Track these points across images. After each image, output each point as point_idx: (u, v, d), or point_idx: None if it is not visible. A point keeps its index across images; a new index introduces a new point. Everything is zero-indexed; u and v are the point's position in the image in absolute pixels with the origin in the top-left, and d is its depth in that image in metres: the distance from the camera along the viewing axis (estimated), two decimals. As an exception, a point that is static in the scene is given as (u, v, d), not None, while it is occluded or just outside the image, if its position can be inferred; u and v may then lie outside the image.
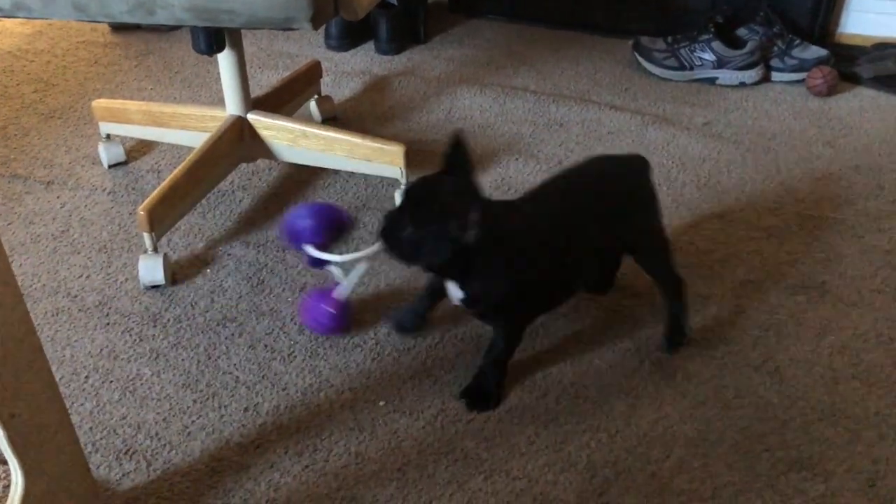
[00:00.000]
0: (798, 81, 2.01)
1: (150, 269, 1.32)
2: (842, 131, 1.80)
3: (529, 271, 1.04)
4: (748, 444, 1.05)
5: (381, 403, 1.12)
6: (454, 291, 1.07)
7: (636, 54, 2.10)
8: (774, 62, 2.02)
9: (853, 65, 2.02)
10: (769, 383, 1.14)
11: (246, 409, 1.11)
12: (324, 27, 2.25)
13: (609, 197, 1.12)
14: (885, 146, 1.73)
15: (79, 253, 1.42)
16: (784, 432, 1.07)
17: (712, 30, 2.00)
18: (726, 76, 2.01)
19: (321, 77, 1.84)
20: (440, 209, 0.98)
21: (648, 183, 1.17)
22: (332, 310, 1.21)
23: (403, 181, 1.49)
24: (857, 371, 1.16)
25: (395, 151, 1.45)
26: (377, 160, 1.47)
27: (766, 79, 2.03)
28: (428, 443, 1.06)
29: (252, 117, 1.51)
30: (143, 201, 1.32)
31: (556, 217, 1.08)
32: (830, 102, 1.93)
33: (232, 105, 1.51)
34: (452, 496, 0.99)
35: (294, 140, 1.50)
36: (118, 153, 1.67)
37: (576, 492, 0.99)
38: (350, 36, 2.24)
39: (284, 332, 1.24)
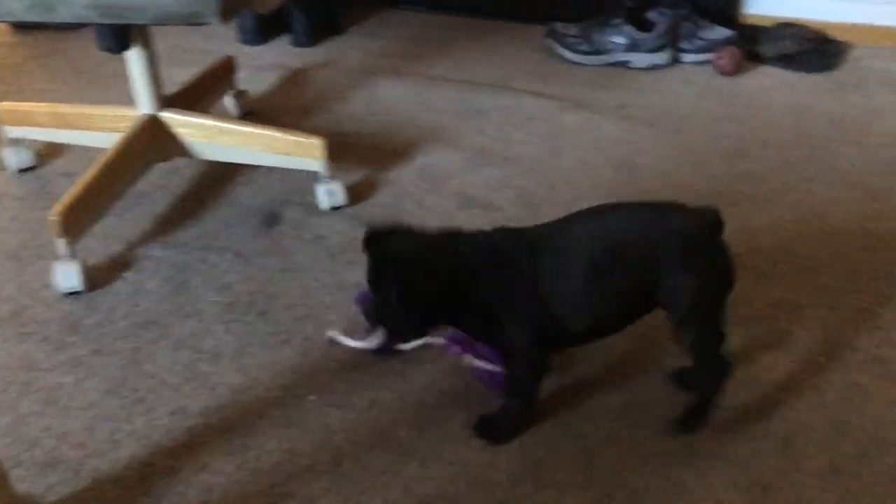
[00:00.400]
0: (706, 62, 2.07)
1: (67, 276, 1.28)
2: (749, 109, 1.87)
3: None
4: (673, 413, 1.08)
5: (312, 398, 1.12)
6: None
7: (550, 40, 2.13)
8: (683, 44, 2.08)
9: (757, 44, 2.09)
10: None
11: (174, 413, 1.10)
12: (238, 22, 2.21)
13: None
14: (790, 121, 1.81)
15: (-11, 262, 1.37)
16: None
17: (623, 14, 2.04)
18: (638, 59, 2.06)
19: (236, 72, 1.81)
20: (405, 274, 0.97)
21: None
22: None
23: (325, 174, 1.48)
24: (770, 339, 1.21)
25: (315, 145, 1.45)
26: (297, 154, 1.46)
27: (676, 60, 2.08)
28: (361, 434, 1.06)
29: (166, 115, 1.48)
30: (54, 206, 1.28)
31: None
32: (737, 81, 2.00)
33: (144, 104, 1.47)
34: (388, 485, 1.00)
35: (210, 137, 1.47)
36: (26, 157, 1.61)
37: (509, 472, 1.01)
38: (265, 29, 2.21)
39: (210, 333, 1.23)
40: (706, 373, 1.05)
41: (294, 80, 2.01)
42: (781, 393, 1.12)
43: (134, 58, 1.42)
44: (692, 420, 1.05)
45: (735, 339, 1.20)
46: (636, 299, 1.01)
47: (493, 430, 1.06)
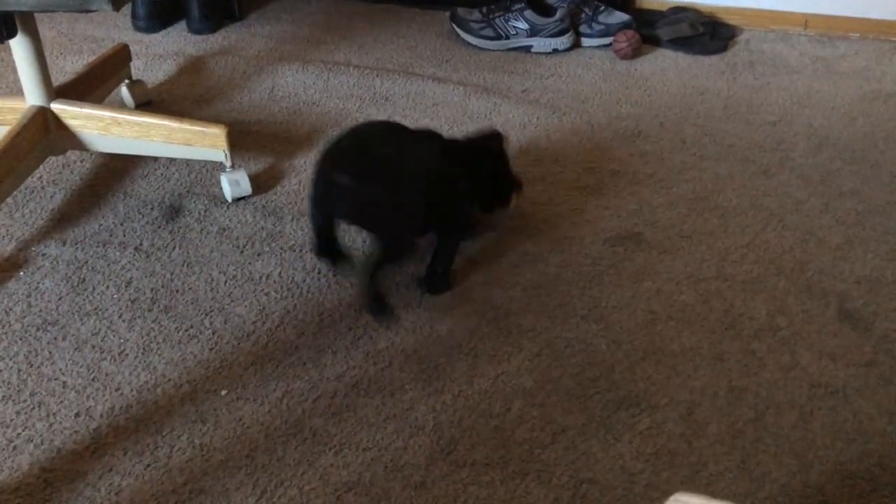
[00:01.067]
0: (605, 46, 2.12)
1: (-47, 278, 1.22)
2: (646, 91, 1.92)
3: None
4: (581, 389, 1.12)
5: (223, 392, 1.10)
6: None
7: (454, 25, 2.14)
8: (583, 28, 2.12)
9: (653, 28, 2.16)
10: (596, 330, 1.22)
11: (77, 415, 1.06)
12: (130, 8, 2.13)
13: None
14: (685, 102, 1.87)
15: None
16: (612, 374, 1.14)
17: (524, -1, 2.07)
18: (540, 44, 2.09)
19: (130, 60, 1.74)
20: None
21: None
22: None
23: (228, 164, 1.44)
24: (671, 311, 1.26)
25: (217, 133, 1.41)
26: (198, 144, 1.42)
27: (576, 45, 2.13)
28: (275, 426, 1.05)
29: (56, 107, 1.42)
30: (-63, 205, 1.21)
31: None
32: (635, 64, 2.06)
33: (32, 95, 1.40)
34: (304, 475, 0.99)
35: (105, 128, 1.42)
36: None
37: (425, 454, 1.02)
38: (159, 16, 2.14)
39: (112, 331, 1.19)
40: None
41: (192, 68, 1.95)
42: (684, 363, 1.16)
43: (19, 47, 1.35)
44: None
45: (640, 314, 1.24)
46: None
47: (437, 284, 1.29)
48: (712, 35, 2.15)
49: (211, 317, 1.22)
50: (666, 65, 2.05)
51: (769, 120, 1.80)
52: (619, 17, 2.12)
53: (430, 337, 1.20)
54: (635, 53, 2.07)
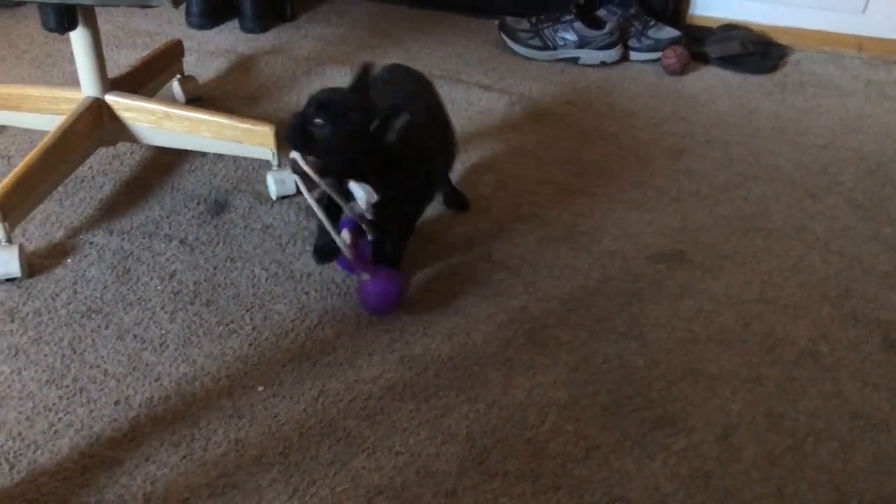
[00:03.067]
0: (654, 60, 2.11)
1: (5, 262, 1.25)
2: (693, 108, 1.91)
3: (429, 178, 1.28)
4: (616, 406, 1.11)
5: (260, 389, 1.11)
6: (366, 196, 1.15)
7: (502, 34, 2.14)
8: (632, 42, 2.11)
9: (703, 45, 2.14)
10: (634, 347, 1.21)
11: (117, 403, 1.07)
12: (185, 5, 2.17)
13: (433, 108, 1.35)
14: (732, 121, 1.85)
15: (-79, 247, 1.32)
16: (649, 393, 1.13)
17: (573, 11, 2.07)
18: (588, 56, 2.08)
19: (183, 56, 1.77)
20: (361, 111, 1.12)
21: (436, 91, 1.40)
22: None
23: (275, 162, 1.46)
24: (711, 332, 1.24)
25: (265, 132, 1.43)
26: (246, 141, 1.44)
27: (624, 58, 2.12)
28: (309, 425, 1.06)
29: (110, 98, 1.45)
30: (-8, 189, 1.24)
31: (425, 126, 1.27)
32: (683, 80, 2.04)
33: (88, 86, 1.43)
34: (336, 476, 0.99)
35: (157, 122, 1.44)
36: (-39, 138, 1.56)
37: (457, 462, 1.02)
38: (213, 14, 2.17)
39: (154, 321, 1.20)
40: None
41: (243, 66, 1.98)
42: (722, 385, 1.15)
43: (78, 39, 1.38)
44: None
45: (680, 333, 1.23)
46: None
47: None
48: (763, 54, 2.13)
49: (251, 312, 1.23)
50: (714, 82, 2.03)
51: (818, 143, 1.78)
52: (669, 32, 2.11)
53: (465, 345, 1.20)
54: (684, 70, 2.06)
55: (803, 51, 2.21)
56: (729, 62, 2.10)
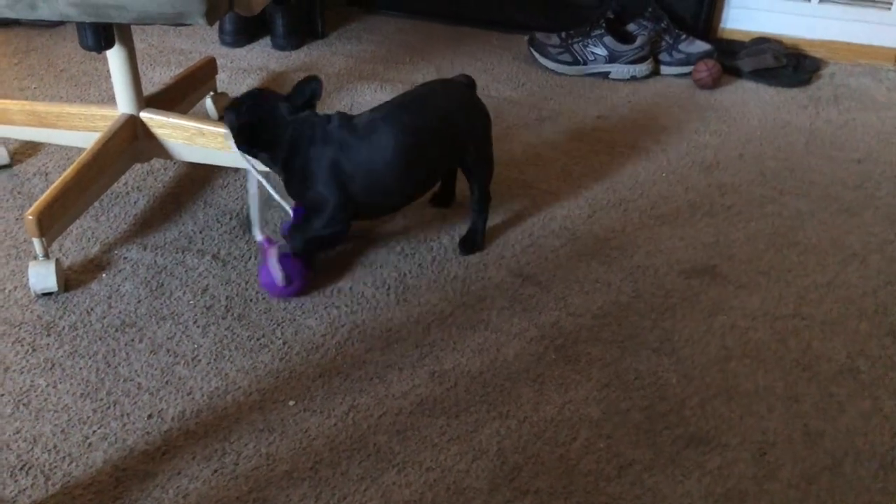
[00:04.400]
0: (685, 75, 2.10)
1: (42, 276, 1.27)
2: (726, 122, 1.89)
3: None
4: (650, 423, 1.09)
5: (291, 403, 1.11)
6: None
7: (531, 49, 2.14)
8: (663, 56, 2.10)
9: (734, 59, 2.13)
10: (667, 363, 1.19)
11: (150, 416, 1.08)
12: (217, 23, 2.20)
13: (447, 116, 1.31)
14: (765, 135, 1.83)
15: (-39, 261, 1.34)
16: (682, 410, 1.12)
17: (603, 25, 2.06)
18: (618, 70, 2.08)
19: (216, 73, 1.80)
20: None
21: (478, 100, 1.37)
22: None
23: (306, 178, 1.47)
24: (746, 348, 1.23)
25: (297, 148, 1.44)
26: (278, 157, 1.45)
27: (655, 73, 2.11)
28: (340, 440, 1.06)
29: (145, 116, 1.47)
30: (30, 206, 1.26)
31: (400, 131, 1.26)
32: (715, 94, 2.02)
33: (123, 103, 1.45)
34: (366, 491, 0.99)
35: (190, 138, 1.46)
36: (1, 156, 1.59)
37: (488, 479, 1.01)
38: (245, 31, 2.20)
39: (187, 336, 1.21)
40: (482, 201, 1.40)
41: (275, 83, 2.00)
42: (758, 402, 1.13)
43: (114, 57, 1.40)
44: (470, 244, 1.41)
45: (713, 350, 1.22)
46: (440, 167, 1.35)
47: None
48: (796, 67, 2.11)
49: (282, 327, 1.24)
50: (747, 96, 2.02)
51: (853, 157, 1.75)
52: (701, 46, 2.10)
53: (496, 360, 1.19)
54: (715, 83, 2.04)
55: (837, 64, 2.18)
56: (761, 75, 2.08)
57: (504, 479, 1.01)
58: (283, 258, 1.26)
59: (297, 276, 1.28)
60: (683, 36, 2.10)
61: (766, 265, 1.41)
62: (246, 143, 1.25)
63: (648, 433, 1.08)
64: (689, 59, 2.08)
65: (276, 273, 1.25)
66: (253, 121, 1.23)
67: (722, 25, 2.28)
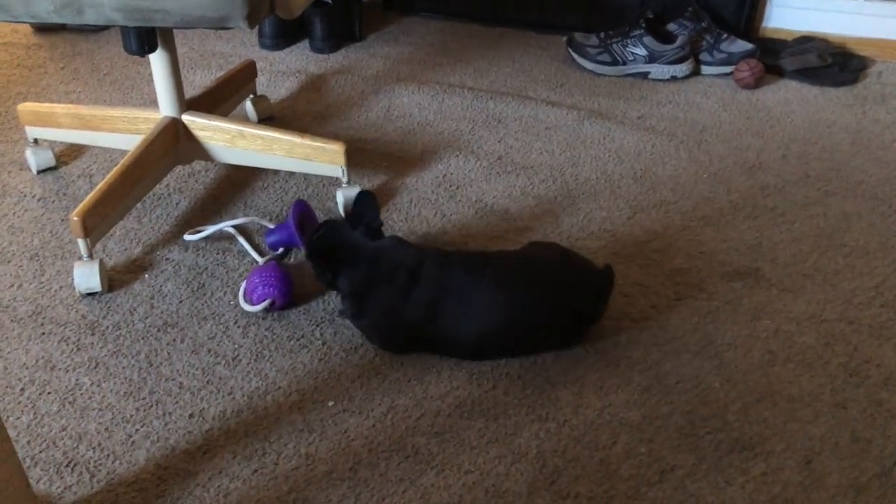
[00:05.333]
0: (726, 74, 2.06)
1: (86, 276, 1.29)
2: (769, 122, 1.86)
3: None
4: (692, 428, 1.08)
5: (331, 404, 1.11)
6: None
7: (570, 50, 2.13)
8: (703, 56, 2.07)
9: (777, 58, 2.09)
10: (709, 367, 1.17)
11: (191, 416, 1.09)
12: (257, 27, 2.22)
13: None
14: (810, 136, 1.80)
15: (9, 262, 1.37)
16: (725, 415, 1.10)
17: (643, 25, 2.04)
18: (658, 70, 2.05)
19: (256, 76, 1.81)
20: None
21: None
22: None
23: (345, 179, 1.48)
24: (791, 353, 1.20)
25: (336, 150, 1.45)
26: (317, 159, 1.46)
27: (696, 72, 2.08)
28: (378, 441, 1.06)
29: (187, 118, 1.49)
30: (75, 207, 1.29)
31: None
32: (757, 94, 1.99)
33: (166, 106, 1.47)
34: (405, 493, 0.99)
35: (231, 140, 1.48)
36: (47, 158, 1.62)
37: (527, 482, 1.00)
38: (284, 35, 2.22)
39: (228, 336, 1.22)
40: None
41: (313, 85, 2.01)
42: (803, 408, 1.11)
43: (157, 61, 1.42)
44: None
45: (757, 354, 1.19)
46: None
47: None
48: (842, 66, 2.07)
49: (322, 328, 1.24)
50: (790, 96, 1.98)
51: (902, 157, 1.71)
52: (742, 45, 2.06)
53: (535, 363, 1.18)
54: (758, 83, 2.01)
55: (885, 62, 2.13)
56: (805, 75, 2.04)
57: (543, 482, 1.00)
58: (266, 271, 1.26)
59: (278, 292, 1.25)
60: (725, 35, 2.07)
61: (811, 268, 1.38)
62: (323, 266, 1.21)
63: (690, 438, 1.06)
64: (730, 59, 2.05)
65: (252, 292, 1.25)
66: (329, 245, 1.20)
67: (764, 24, 2.24)
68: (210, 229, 1.41)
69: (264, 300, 1.24)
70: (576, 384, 1.14)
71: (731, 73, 2.04)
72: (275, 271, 1.25)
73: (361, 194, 1.22)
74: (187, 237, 1.41)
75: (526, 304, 1.14)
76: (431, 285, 1.14)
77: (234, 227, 1.43)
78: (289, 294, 1.26)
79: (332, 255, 1.19)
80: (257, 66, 1.83)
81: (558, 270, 1.18)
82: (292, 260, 1.38)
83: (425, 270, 1.15)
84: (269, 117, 1.84)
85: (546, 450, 1.05)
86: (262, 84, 1.98)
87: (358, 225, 1.21)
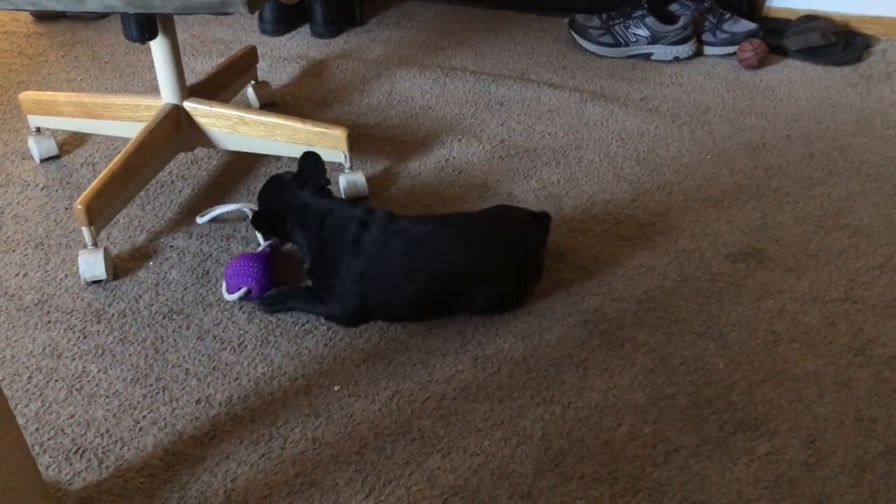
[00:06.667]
0: (729, 55, 2.05)
1: (91, 264, 1.29)
2: (772, 102, 1.85)
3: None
4: (696, 409, 1.08)
5: (336, 388, 1.12)
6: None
7: (572, 32, 2.12)
8: (706, 36, 2.06)
9: (781, 37, 2.07)
10: (713, 348, 1.18)
11: (198, 402, 1.10)
12: (257, 12, 2.21)
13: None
14: (814, 115, 1.79)
15: (14, 251, 1.37)
16: (730, 395, 1.10)
17: (645, 6, 2.03)
18: (661, 51, 2.04)
19: (257, 62, 1.81)
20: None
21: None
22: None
23: (347, 165, 1.48)
24: (795, 333, 1.20)
25: (338, 135, 1.44)
26: (319, 144, 1.45)
27: (698, 53, 2.07)
28: (384, 424, 1.06)
29: (189, 105, 1.48)
30: (78, 195, 1.29)
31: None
32: (761, 74, 1.98)
33: (167, 93, 1.47)
34: (412, 475, 1.00)
35: (233, 127, 1.47)
36: (50, 147, 1.62)
37: (532, 464, 1.01)
38: (285, 20, 2.21)
39: (233, 322, 1.23)
40: None
41: (314, 71, 2.01)
42: (808, 388, 1.11)
43: (158, 47, 1.42)
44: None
45: (761, 334, 1.20)
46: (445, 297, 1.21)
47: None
48: (845, 45, 2.05)
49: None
50: (794, 75, 1.97)
51: (907, 135, 1.70)
52: (745, 25, 2.05)
53: (539, 345, 1.19)
54: (761, 63, 2.00)
55: (889, 40, 2.12)
56: (809, 54, 2.03)
57: (549, 464, 1.01)
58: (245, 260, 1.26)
59: (254, 281, 1.25)
60: (728, 15, 2.06)
61: (815, 248, 1.38)
62: (267, 231, 1.31)
63: (695, 419, 1.07)
64: (733, 39, 2.04)
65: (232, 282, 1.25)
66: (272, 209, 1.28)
67: (767, 3, 2.23)
68: (220, 209, 1.43)
69: (239, 289, 1.24)
70: (580, 366, 1.15)
71: (735, 53, 2.03)
72: (250, 261, 1.25)
73: (307, 154, 1.28)
74: (199, 220, 1.43)
75: (468, 243, 1.20)
76: (381, 231, 1.19)
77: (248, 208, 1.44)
78: (266, 283, 1.26)
79: (282, 218, 1.26)
80: (258, 51, 1.82)
81: (496, 216, 1.27)
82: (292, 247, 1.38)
83: (376, 219, 1.21)
84: (271, 103, 1.84)
85: (551, 432, 1.05)
86: (263, 70, 1.97)
87: (305, 185, 1.26)
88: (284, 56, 2.07)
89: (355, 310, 1.20)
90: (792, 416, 1.07)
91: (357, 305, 1.19)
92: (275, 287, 1.27)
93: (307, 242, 1.24)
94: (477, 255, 1.19)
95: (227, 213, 1.44)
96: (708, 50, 2.07)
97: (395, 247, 1.18)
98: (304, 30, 2.23)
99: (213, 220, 1.43)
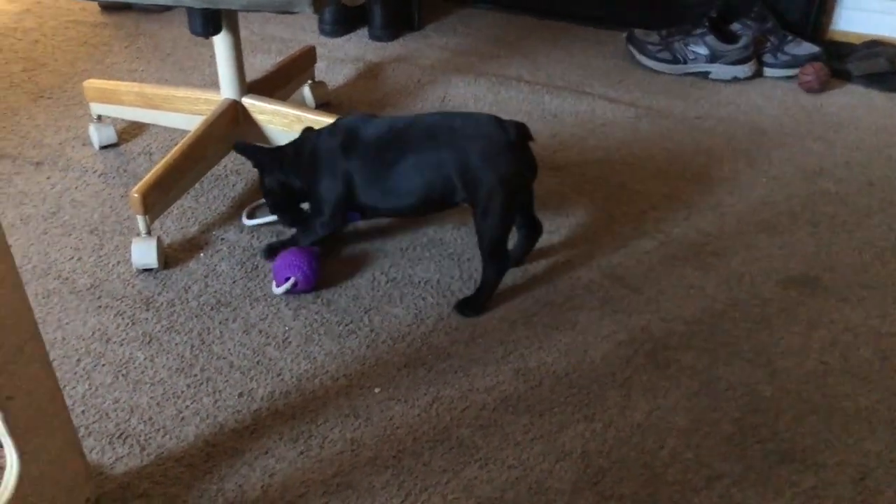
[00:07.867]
0: (790, 77, 2.02)
1: (143, 253, 1.31)
2: (832, 127, 1.81)
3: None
4: (741, 436, 1.06)
5: (377, 390, 1.12)
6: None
7: (630, 47, 2.10)
8: (767, 57, 2.03)
9: (844, 62, 2.03)
10: (761, 375, 1.15)
11: (240, 395, 1.11)
12: (319, 13, 2.23)
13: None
14: (875, 143, 1.75)
15: (70, 235, 1.40)
16: (776, 425, 1.08)
17: (706, 24, 2.01)
18: (719, 70, 2.02)
19: (315, 62, 1.82)
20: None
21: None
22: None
23: (399, 169, 1.48)
24: (847, 365, 1.17)
25: (391, 138, 1.45)
26: (373, 147, 1.46)
27: (758, 74, 2.04)
28: (423, 430, 1.06)
29: (247, 101, 1.50)
30: (134, 184, 1.31)
31: None
32: (822, 99, 1.94)
33: (227, 89, 1.49)
34: (448, 483, 0.99)
35: (289, 125, 1.49)
36: (109, 135, 1.66)
37: (571, 481, 1.00)
38: (344, 22, 2.23)
39: (279, 318, 1.24)
40: (491, 263, 1.25)
41: (370, 73, 2.02)
42: (858, 423, 1.08)
43: (221, 43, 1.44)
44: (471, 304, 1.26)
45: (812, 364, 1.17)
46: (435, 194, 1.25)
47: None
48: (911, 73, 2.00)
49: (370, 314, 1.25)
50: (856, 101, 1.93)
51: (972, 169, 1.65)
52: (808, 48, 2.01)
53: (583, 361, 1.17)
54: (822, 87, 1.96)
55: (957, 70, 2.06)
56: (873, 80, 1.98)
57: (587, 482, 1.00)
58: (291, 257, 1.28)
59: (301, 273, 1.27)
60: (790, 37, 2.02)
61: (871, 279, 1.34)
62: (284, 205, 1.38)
63: (739, 446, 1.05)
64: (795, 62, 2.00)
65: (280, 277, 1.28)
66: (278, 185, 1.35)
67: (832, 27, 2.18)
68: (268, 218, 1.43)
69: (287, 280, 1.25)
70: (624, 385, 1.13)
71: (796, 76, 2.00)
72: (299, 254, 1.27)
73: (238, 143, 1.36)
74: (246, 221, 1.43)
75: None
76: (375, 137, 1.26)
77: None
78: (312, 276, 1.27)
79: (284, 184, 1.33)
80: (316, 52, 1.84)
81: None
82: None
83: (341, 127, 1.28)
84: (326, 103, 1.85)
85: (591, 450, 1.04)
86: (320, 70, 1.99)
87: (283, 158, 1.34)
88: (342, 57, 2.09)
89: (339, 196, 1.28)
90: (841, 450, 1.04)
91: (341, 192, 1.27)
92: (320, 281, 1.28)
93: (305, 180, 1.31)
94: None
95: (274, 222, 1.44)
96: (768, 71, 2.04)
97: (372, 138, 1.26)
98: (363, 32, 2.24)
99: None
